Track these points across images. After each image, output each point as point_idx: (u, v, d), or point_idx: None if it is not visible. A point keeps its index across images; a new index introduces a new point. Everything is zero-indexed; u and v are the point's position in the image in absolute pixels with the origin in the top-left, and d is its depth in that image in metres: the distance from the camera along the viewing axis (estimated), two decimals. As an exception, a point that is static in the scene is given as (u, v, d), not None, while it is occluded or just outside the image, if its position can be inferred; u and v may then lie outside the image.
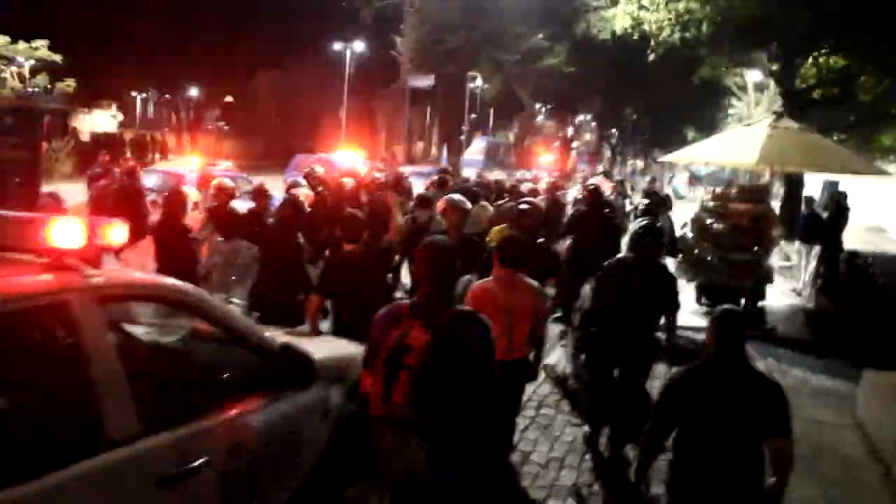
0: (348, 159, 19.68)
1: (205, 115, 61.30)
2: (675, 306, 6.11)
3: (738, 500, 3.88)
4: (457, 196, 7.47)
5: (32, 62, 45.06)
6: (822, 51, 18.70)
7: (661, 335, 6.20)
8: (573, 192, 16.61)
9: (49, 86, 46.79)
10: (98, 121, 48.35)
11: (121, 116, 50.54)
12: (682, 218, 13.09)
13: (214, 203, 8.19)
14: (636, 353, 6.05)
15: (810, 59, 19.51)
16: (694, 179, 44.31)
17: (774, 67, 20.38)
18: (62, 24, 33.64)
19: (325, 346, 4.91)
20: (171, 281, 3.85)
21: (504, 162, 32.75)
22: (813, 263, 13.21)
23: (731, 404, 3.81)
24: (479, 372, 3.56)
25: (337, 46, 33.98)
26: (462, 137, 33.18)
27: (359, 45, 32.74)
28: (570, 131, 58.07)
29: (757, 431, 3.81)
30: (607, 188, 14.05)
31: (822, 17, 15.93)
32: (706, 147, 13.21)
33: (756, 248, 11.07)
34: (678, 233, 11.94)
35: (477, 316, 3.69)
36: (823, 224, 14.21)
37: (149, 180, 14.67)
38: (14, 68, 45.59)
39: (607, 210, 10.56)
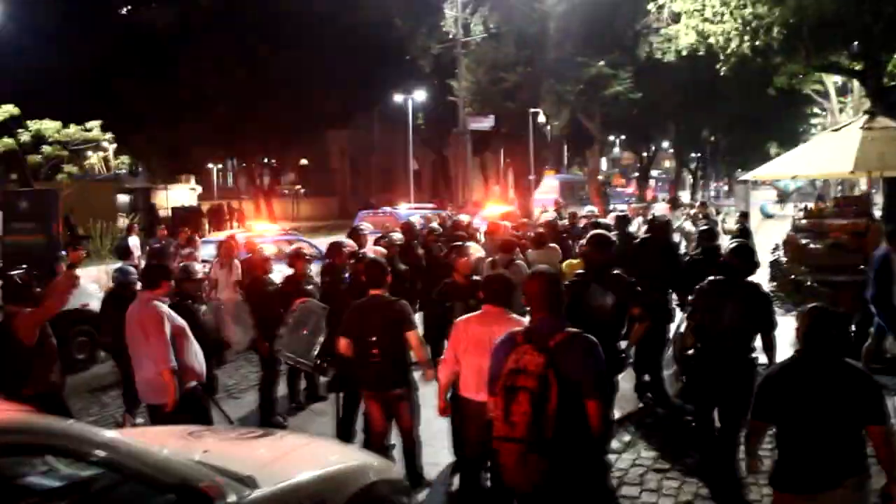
0: (413, 212, 19.06)
1: (280, 179, 62.26)
2: (771, 325, 5.91)
3: (842, 488, 3.94)
4: (472, 245, 7.57)
5: (114, 146, 46.81)
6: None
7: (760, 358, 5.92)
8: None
9: (135, 167, 48.27)
10: (177, 195, 49.53)
11: (199, 189, 51.57)
12: (771, 239, 11.87)
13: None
14: (735, 382, 5.79)
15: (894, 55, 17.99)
16: (783, 196, 42.26)
17: (857, 67, 18.88)
18: (137, 103, 34.33)
19: (308, 460, 4.17)
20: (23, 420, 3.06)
21: (580, 197, 31.73)
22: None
23: (824, 397, 3.94)
24: (588, 389, 3.90)
25: (398, 98, 33.74)
26: (531, 177, 32.22)
27: (420, 95, 32.44)
28: (646, 160, 56.63)
29: (853, 421, 3.92)
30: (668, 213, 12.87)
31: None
32: (792, 159, 11.81)
33: (861, 267, 9.75)
34: (770, 257, 10.74)
35: (584, 335, 4.04)
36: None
37: (204, 251, 14.44)
38: (101, 153, 47.33)
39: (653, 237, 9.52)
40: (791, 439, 4.08)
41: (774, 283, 10.33)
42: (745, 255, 6.06)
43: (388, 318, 6.07)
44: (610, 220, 12.48)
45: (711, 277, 6.20)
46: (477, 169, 49.76)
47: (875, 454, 3.96)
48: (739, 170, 52.88)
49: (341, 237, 10.72)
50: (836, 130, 11.95)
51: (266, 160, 56.09)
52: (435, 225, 12.43)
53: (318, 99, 36.01)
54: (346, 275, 8.47)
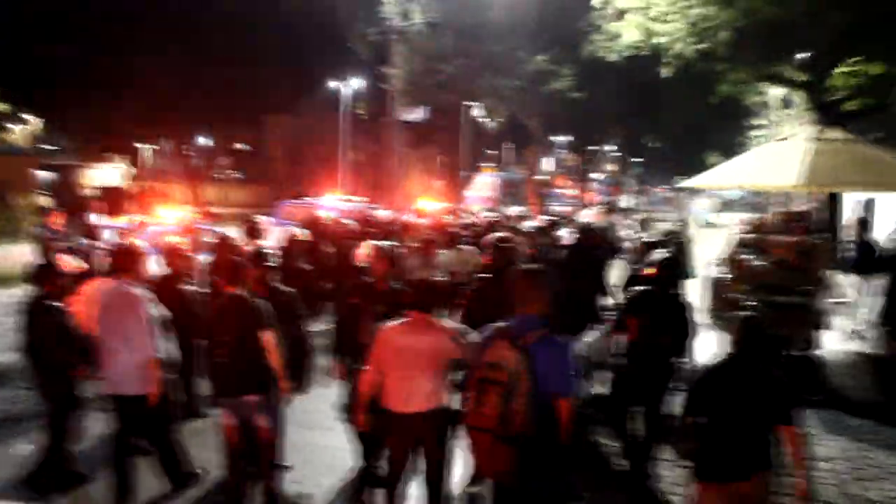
0: (333, 203, 17.95)
1: (215, 163, 60.56)
2: (690, 332, 6.18)
3: (752, 480, 4.34)
4: (386, 245, 6.84)
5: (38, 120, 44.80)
6: (857, 57, 16.69)
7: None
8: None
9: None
10: (106, 174, 47.57)
11: (129, 169, 49.82)
12: (708, 252, 11.12)
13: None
14: (659, 388, 6.09)
15: (841, 68, 17.48)
16: (726, 204, 42.17)
17: (803, 78, 18.37)
18: (66, 76, 32.74)
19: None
20: None
21: (519, 198, 30.95)
22: (875, 299, 10.91)
23: (745, 397, 4.35)
24: (559, 388, 4.13)
25: (333, 85, 32.57)
26: (463, 173, 31.24)
27: (357, 82, 31.26)
28: (587, 162, 56.32)
29: (766, 421, 4.35)
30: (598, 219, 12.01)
31: (862, 17, 13.95)
32: (735, 168, 10.94)
33: (806, 288, 9.00)
34: (707, 272, 9.94)
35: (556, 338, 4.26)
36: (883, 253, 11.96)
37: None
38: (21, 126, 45.29)
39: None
40: (714, 434, 4.42)
41: (713, 301, 9.53)
42: (670, 268, 6.39)
43: (242, 318, 5.63)
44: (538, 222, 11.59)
45: (639, 288, 6.48)
46: (417, 163, 48.82)
47: (784, 451, 4.40)
48: (677, 176, 52.92)
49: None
50: (780, 140, 11.20)
51: (199, 142, 54.55)
52: (347, 220, 11.29)
53: (256, 82, 35.01)
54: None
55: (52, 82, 33.11)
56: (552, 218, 11.35)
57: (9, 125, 44.69)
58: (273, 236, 10.69)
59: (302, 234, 9.36)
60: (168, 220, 14.08)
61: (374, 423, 5.32)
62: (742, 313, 4.66)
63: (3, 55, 31.56)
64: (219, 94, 36.28)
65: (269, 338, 5.64)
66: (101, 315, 5.87)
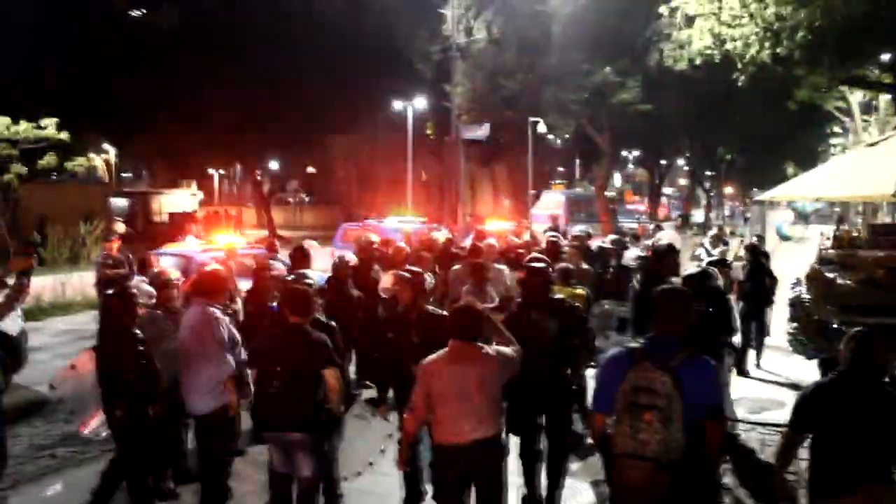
0: (395, 225, 17.47)
1: (286, 186, 61.38)
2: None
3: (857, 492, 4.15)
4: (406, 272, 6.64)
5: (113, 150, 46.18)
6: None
7: None
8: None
9: (94, 170, 47.72)
10: (177, 200, 48.63)
11: (200, 194, 50.92)
12: (790, 267, 10.25)
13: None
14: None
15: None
16: (801, 217, 40.37)
17: (887, 80, 17.28)
18: (138, 105, 33.58)
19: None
20: None
21: (588, 214, 30.14)
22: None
23: (862, 417, 4.16)
24: (709, 410, 4.04)
25: (398, 105, 32.31)
26: (531, 192, 30.51)
27: (421, 102, 30.90)
28: (658, 176, 55.00)
29: (889, 445, 4.18)
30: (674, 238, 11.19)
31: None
32: (817, 177, 10.05)
33: (898, 308, 8.11)
34: (790, 292, 9.12)
35: (704, 356, 4.16)
36: None
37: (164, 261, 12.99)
38: (104, 155, 46.75)
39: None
40: (828, 449, 4.28)
41: (795, 325, 8.70)
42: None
43: (300, 351, 5.39)
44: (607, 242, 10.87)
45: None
46: (487, 181, 48.26)
47: None
48: (755, 189, 51.02)
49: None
50: (871, 145, 10.26)
51: (269, 167, 55.29)
52: (400, 243, 10.74)
53: (321, 104, 35.15)
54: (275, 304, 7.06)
55: (126, 112, 33.55)
56: (618, 237, 10.58)
57: (91, 154, 46.17)
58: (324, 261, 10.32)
59: (351, 259, 8.92)
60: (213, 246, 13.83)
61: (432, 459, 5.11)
62: (853, 329, 4.43)
63: (81, 86, 32.43)
64: (286, 118, 36.55)
65: (330, 375, 5.42)
66: (185, 337, 5.95)
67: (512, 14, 22.61)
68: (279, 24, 32.55)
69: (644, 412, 3.88)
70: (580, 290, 8.02)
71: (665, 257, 7.62)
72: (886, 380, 4.33)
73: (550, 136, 31.48)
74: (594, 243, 11.38)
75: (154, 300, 6.77)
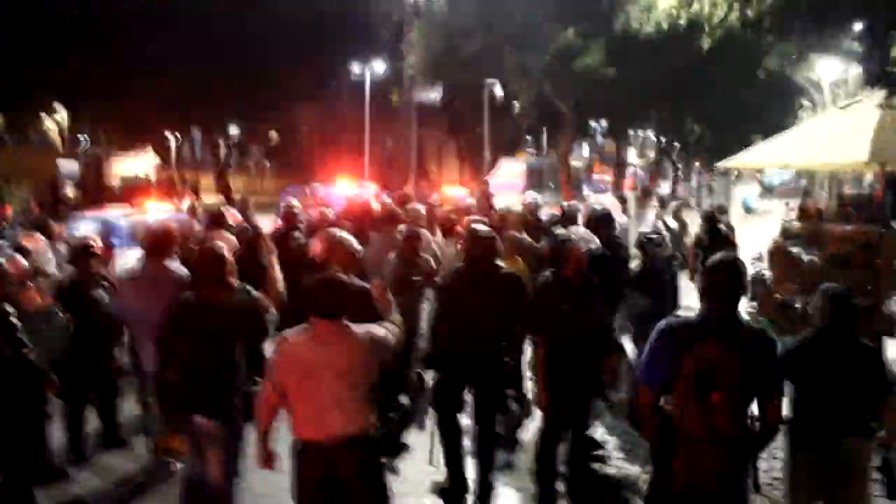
0: (344, 190, 16.62)
1: (249, 152, 60.22)
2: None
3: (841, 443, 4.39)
4: (338, 232, 5.96)
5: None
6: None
7: None
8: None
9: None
10: (132, 165, 47.36)
11: (156, 159, 49.78)
12: (751, 243, 9.58)
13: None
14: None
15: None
16: (766, 190, 40.02)
17: (860, 48, 16.52)
18: (95, 67, 32.56)
19: None
20: None
21: (547, 185, 29.37)
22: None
23: (842, 372, 4.36)
24: (770, 387, 3.89)
25: (357, 70, 31.28)
26: (488, 158, 29.50)
27: (379, 66, 29.85)
28: (630, 149, 54.31)
29: (868, 394, 4.43)
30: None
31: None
32: (784, 144, 9.20)
33: (869, 288, 7.40)
34: (750, 268, 8.38)
35: (764, 331, 4.06)
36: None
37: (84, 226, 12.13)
38: (56, 119, 45.32)
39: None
40: (810, 404, 4.44)
41: (755, 304, 7.97)
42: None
43: (211, 322, 4.75)
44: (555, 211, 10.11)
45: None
46: (454, 150, 47.34)
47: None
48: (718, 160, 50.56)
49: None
50: (844, 108, 9.46)
51: (230, 133, 54.14)
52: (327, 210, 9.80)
53: (281, 70, 34.37)
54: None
55: (81, 74, 32.73)
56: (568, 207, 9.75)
57: (42, 116, 44.71)
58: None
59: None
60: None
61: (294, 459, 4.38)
62: (823, 286, 4.58)
63: (33, 51, 31.08)
64: (245, 83, 35.81)
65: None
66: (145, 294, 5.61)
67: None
68: None
69: (713, 393, 3.68)
70: (520, 264, 7.27)
71: (598, 224, 6.88)
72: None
73: (516, 103, 30.61)
74: (543, 214, 10.59)
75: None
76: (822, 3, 13.87)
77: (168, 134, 53.35)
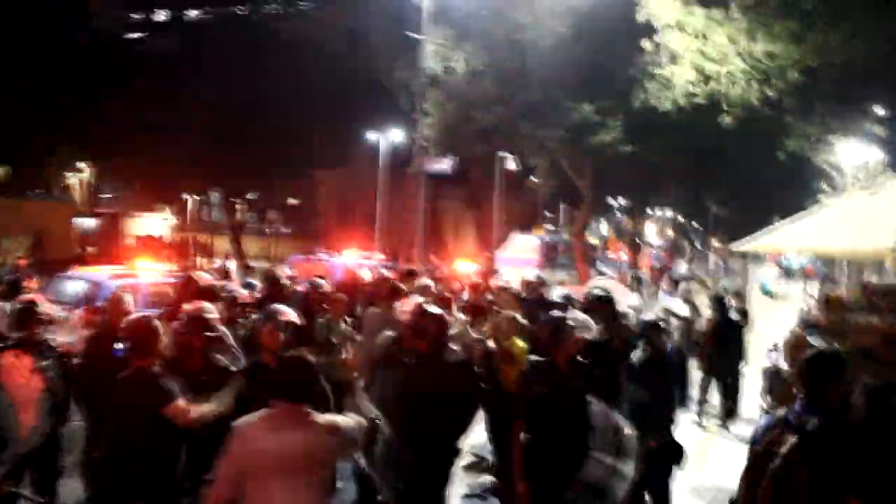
0: (350, 260, 16.20)
1: (267, 216, 60.48)
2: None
3: None
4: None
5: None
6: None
7: None
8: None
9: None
10: (150, 224, 47.62)
11: (172, 219, 50.12)
12: (768, 328, 8.97)
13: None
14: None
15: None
16: (784, 273, 39.23)
17: (882, 133, 16.13)
18: (121, 125, 32.93)
19: None
20: None
21: (562, 262, 28.82)
22: None
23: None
24: (852, 481, 3.55)
25: (372, 137, 31.23)
26: (502, 233, 29.02)
27: (396, 134, 29.75)
28: (648, 226, 53.92)
29: None
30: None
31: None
32: (805, 227, 8.57)
33: (897, 387, 6.73)
34: (767, 360, 7.78)
35: (851, 424, 3.90)
36: None
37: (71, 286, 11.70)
38: (80, 174, 45.76)
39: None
40: None
41: (772, 399, 7.33)
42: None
43: (147, 398, 4.48)
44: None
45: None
46: (472, 222, 47.09)
47: None
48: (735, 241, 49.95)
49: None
50: (867, 190, 8.91)
51: (249, 196, 54.44)
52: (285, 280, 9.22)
53: (306, 137, 34.68)
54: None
55: (107, 131, 32.89)
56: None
57: (66, 173, 45.19)
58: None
59: (243, 294, 7.50)
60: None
61: None
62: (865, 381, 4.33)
63: (62, 105, 31.33)
64: (267, 148, 36.02)
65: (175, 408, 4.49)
66: None
67: (490, 45, 21.42)
68: (261, 56, 32.19)
69: (761, 478, 3.61)
70: (518, 345, 6.76)
71: (597, 309, 6.38)
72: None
73: (537, 180, 30.29)
74: (556, 292, 10.06)
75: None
76: (844, 83, 13.56)
77: (186, 195, 53.80)
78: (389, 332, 6.42)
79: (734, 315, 10.31)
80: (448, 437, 5.34)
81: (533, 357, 5.42)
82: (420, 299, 7.04)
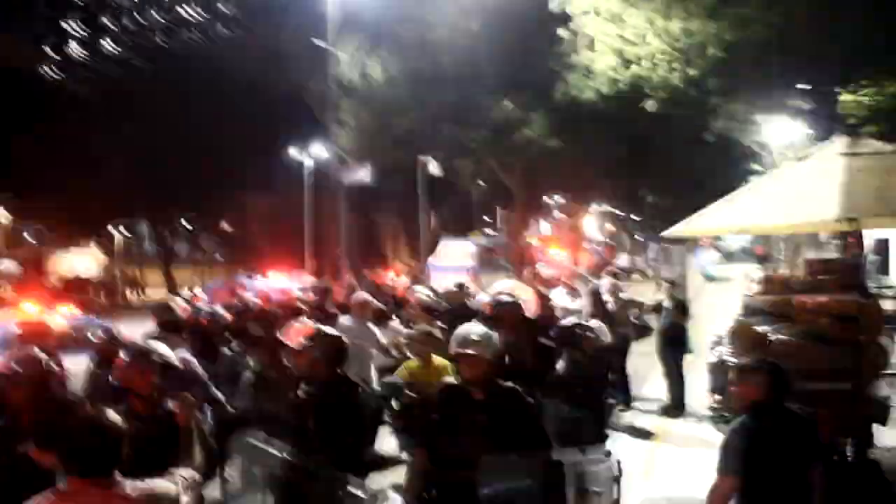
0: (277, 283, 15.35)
1: (202, 244, 58.92)
2: None
3: None
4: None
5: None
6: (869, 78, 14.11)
7: None
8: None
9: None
10: (76, 261, 45.79)
11: (100, 255, 48.40)
12: (712, 318, 8.42)
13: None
14: None
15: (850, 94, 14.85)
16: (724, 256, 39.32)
17: (806, 106, 15.85)
18: (34, 160, 32.49)
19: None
20: None
21: (501, 265, 28.17)
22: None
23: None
24: None
25: (294, 153, 30.43)
26: (430, 240, 28.17)
27: (318, 149, 28.97)
28: (588, 222, 53.79)
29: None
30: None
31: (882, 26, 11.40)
32: (738, 207, 7.87)
33: (852, 369, 6.15)
34: (712, 350, 7.17)
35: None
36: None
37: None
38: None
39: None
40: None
41: (718, 397, 6.70)
42: None
43: None
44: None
45: None
46: (404, 231, 46.24)
47: None
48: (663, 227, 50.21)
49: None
50: (801, 159, 8.36)
51: (178, 226, 52.99)
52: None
53: (227, 161, 33.91)
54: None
55: (26, 166, 32.76)
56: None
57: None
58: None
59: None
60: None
61: None
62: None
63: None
64: (192, 175, 35.19)
65: None
66: None
67: (402, 48, 20.74)
68: (181, 86, 32.28)
69: None
70: (440, 362, 6.05)
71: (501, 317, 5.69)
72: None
73: (481, 182, 29.66)
74: (479, 299, 9.36)
75: None
76: (765, 58, 13.18)
77: (112, 229, 52.00)
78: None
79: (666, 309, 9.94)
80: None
81: (449, 379, 4.65)
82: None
